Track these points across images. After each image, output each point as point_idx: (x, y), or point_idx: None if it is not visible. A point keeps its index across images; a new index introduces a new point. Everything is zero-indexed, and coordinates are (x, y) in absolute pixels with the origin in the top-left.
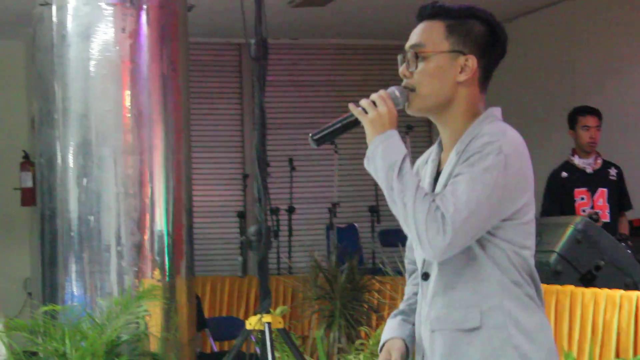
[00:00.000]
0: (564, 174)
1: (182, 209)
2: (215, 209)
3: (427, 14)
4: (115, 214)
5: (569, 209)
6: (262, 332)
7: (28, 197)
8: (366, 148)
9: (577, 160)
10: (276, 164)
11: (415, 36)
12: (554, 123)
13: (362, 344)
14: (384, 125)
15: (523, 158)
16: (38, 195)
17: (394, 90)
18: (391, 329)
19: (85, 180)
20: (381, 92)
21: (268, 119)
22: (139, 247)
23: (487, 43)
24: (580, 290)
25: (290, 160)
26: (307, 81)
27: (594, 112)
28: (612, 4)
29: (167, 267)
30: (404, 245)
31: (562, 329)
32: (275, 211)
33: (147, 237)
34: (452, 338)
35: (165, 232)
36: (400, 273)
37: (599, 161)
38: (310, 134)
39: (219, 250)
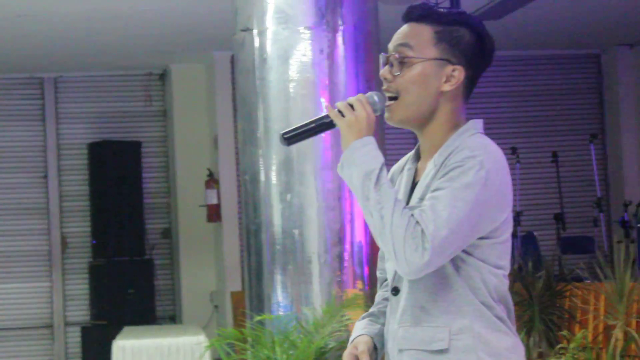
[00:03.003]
0: None
1: None
2: None
3: (416, 15)
4: (317, 227)
5: None
6: None
7: (213, 213)
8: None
9: None
10: None
11: (401, 38)
12: None
13: (562, 348)
14: (362, 130)
15: (504, 174)
16: (242, 211)
17: (372, 95)
18: (358, 329)
19: (289, 196)
20: (360, 95)
21: None
22: (340, 258)
23: (475, 54)
24: None
25: None
26: (486, 93)
27: None
28: None
29: (366, 276)
30: (584, 252)
31: None
32: None
33: (347, 248)
34: (420, 359)
35: (364, 243)
36: (597, 278)
37: None
38: (281, 132)
39: None
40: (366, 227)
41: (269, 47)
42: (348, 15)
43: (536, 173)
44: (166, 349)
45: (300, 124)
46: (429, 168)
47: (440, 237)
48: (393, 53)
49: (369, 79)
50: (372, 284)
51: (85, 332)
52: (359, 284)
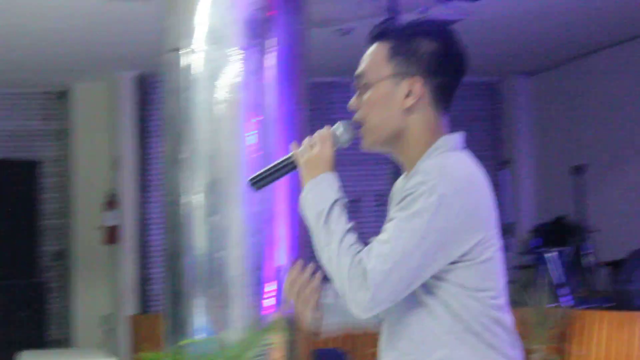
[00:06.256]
0: None
1: (304, 244)
2: None
3: (374, 35)
4: (241, 250)
5: None
6: None
7: (110, 235)
8: None
9: None
10: None
11: (361, 64)
12: None
13: None
14: (317, 167)
15: (470, 195)
16: (165, 232)
17: (339, 125)
18: None
19: (213, 219)
20: (324, 129)
21: None
22: (263, 282)
23: (438, 61)
24: None
25: None
26: None
27: None
28: None
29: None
30: None
31: None
32: None
33: (270, 272)
34: None
35: (287, 268)
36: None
37: None
38: (249, 178)
39: None
40: (289, 251)
41: (199, 68)
42: (280, 37)
43: None
44: None
45: (267, 167)
46: (395, 199)
47: (383, 272)
48: (355, 80)
49: (299, 101)
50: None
51: None
52: (281, 308)
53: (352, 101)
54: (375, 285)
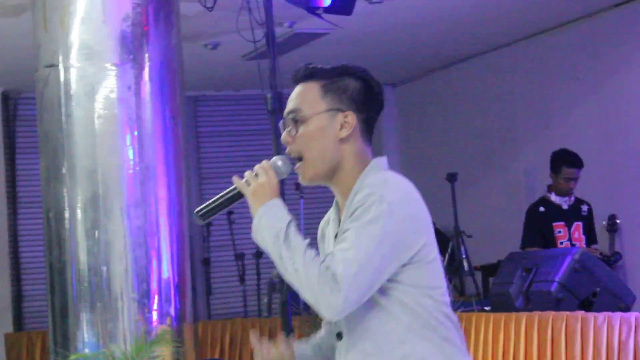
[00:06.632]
0: (542, 209)
1: (186, 258)
2: None
3: (301, 76)
4: (125, 263)
5: (551, 241)
6: None
7: None
8: None
9: (553, 198)
10: None
11: (292, 102)
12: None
13: None
14: (265, 195)
15: (412, 202)
16: (46, 248)
17: (276, 160)
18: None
19: (96, 233)
20: (264, 162)
21: None
22: (148, 295)
23: (364, 98)
24: (593, 315)
25: None
26: None
27: (578, 165)
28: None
29: (174, 313)
30: None
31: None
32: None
33: (155, 285)
34: None
35: (171, 280)
36: None
37: (573, 198)
38: (195, 210)
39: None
40: (173, 263)
41: (75, 83)
42: (154, 52)
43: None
44: None
45: (212, 200)
46: (345, 215)
47: (351, 275)
48: (287, 116)
49: (175, 115)
50: (179, 320)
51: None
52: (167, 320)
53: (284, 136)
54: (347, 288)
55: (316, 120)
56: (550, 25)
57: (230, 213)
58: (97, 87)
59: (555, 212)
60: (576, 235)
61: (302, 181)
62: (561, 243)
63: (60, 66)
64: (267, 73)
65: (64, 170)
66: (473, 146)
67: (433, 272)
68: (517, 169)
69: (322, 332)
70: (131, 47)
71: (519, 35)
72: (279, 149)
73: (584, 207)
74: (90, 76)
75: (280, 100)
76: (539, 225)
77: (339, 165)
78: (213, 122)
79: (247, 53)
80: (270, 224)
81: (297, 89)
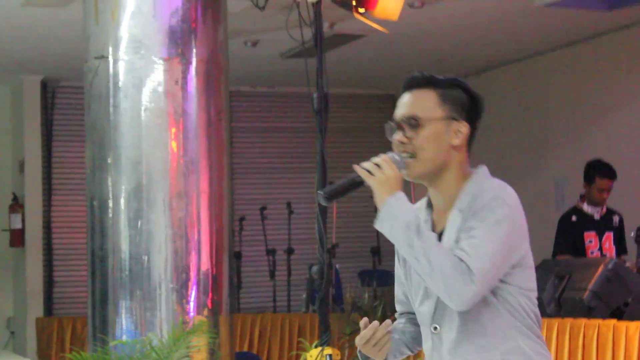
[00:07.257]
0: (574, 218)
1: (225, 250)
2: None
3: (418, 83)
4: (165, 254)
5: (581, 250)
6: None
7: (16, 238)
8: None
9: (586, 207)
10: None
11: (407, 106)
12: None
13: None
14: (393, 187)
15: (520, 210)
16: (89, 236)
17: (393, 155)
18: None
19: (138, 223)
20: (383, 156)
21: None
22: (186, 286)
23: (471, 110)
24: (625, 324)
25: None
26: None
27: (611, 176)
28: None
29: (211, 305)
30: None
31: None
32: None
33: (194, 276)
34: None
35: (209, 272)
36: None
37: (604, 208)
38: (320, 191)
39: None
40: (212, 255)
41: (123, 76)
42: (201, 47)
43: (353, 208)
44: None
45: (336, 184)
46: (453, 217)
47: (484, 270)
48: (404, 119)
49: (219, 111)
50: (215, 311)
51: None
52: (204, 311)
53: (400, 137)
54: (479, 281)
55: (434, 125)
56: (585, 36)
57: (263, 209)
58: (145, 80)
59: (587, 222)
60: (607, 245)
61: (408, 177)
62: (592, 252)
63: (110, 58)
64: (304, 72)
65: (109, 160)
66: (505, 154)
67: (531, 275)
68: (547, 178)
69: (402, 321)
70: (179, 42)
71: (553, 44)
72: (323, 147)
73: (616, 218)
74: (138, 69)
75: (326, 100)
76: (571, 233)
77: (444, 170)
78: (246, 117)
79: (285, 51)
80: (401, 214)
81: (412, 95)
